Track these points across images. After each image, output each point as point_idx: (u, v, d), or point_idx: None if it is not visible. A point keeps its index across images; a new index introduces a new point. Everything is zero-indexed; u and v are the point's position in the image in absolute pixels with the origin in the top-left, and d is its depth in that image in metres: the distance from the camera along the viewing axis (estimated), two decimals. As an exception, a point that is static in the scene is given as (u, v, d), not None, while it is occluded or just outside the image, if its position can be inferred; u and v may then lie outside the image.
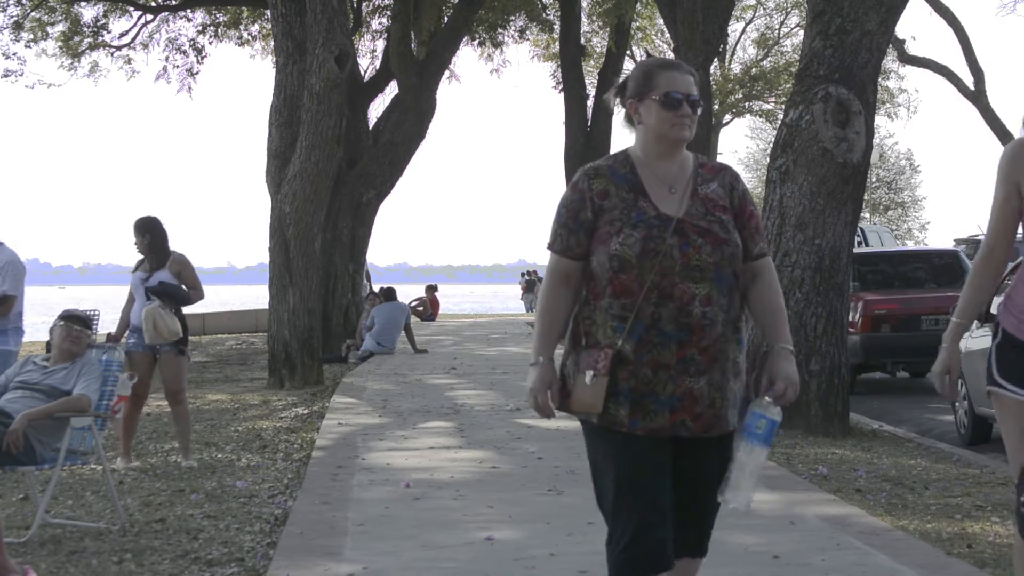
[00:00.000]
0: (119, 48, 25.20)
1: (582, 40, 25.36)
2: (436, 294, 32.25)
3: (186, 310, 8.90)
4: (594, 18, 27.16)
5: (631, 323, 3.47)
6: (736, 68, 39.70)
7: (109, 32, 24.95)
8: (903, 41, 30.82)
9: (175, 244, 8.93)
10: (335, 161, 15.42)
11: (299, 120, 14.68)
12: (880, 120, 37.38)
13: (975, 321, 10.22)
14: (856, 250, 12.48)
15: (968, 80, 29.17)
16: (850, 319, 11.64)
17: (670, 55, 26.90)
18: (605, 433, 3.54)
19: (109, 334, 8.76)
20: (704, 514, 3.66)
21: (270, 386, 14.21)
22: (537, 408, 3.61)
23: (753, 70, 39.16)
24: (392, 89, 22.67)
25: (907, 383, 15.13)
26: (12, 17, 23.51)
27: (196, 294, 8.87)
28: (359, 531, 6.18)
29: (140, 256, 8.97)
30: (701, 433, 3.51)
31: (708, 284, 3.48)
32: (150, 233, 8.85)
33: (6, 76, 23.90)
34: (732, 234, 3.56)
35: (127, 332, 8.76)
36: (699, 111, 3.63)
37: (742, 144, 76.58)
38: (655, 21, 30.08)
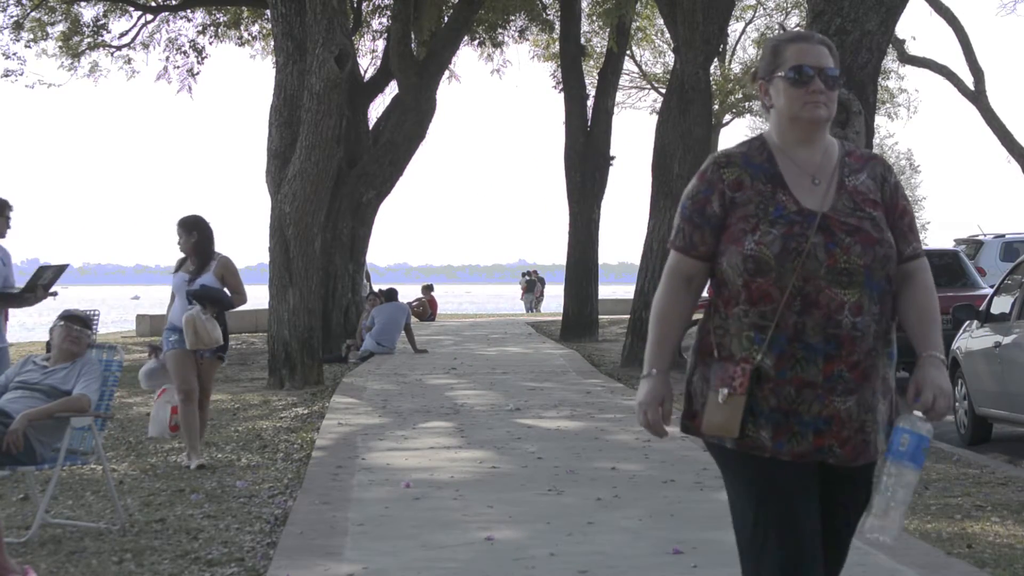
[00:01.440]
0: (119, 48, 25.22)
1: (582, 40, 25.36)
2: (433, 294, 32.28)
3: None
4: (594, 18, 27.16)
5: (771, 334, 3.06)
6: (736, 68, 39.68)
7: (109, 32, 25.00)
8: (903, 41, 30.81)
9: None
10: (335, 161, 15.43)
11: (299, 120, 14.68)
12: (880, 120, 37.42)
13: (975, 321, 10.26)
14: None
15: (968, 80, 29.17)
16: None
17: (670, 55, 26.94)
18: (744, 459, 3.12)
19: (152, 346, 8.94)
20: (841, 552, 3.27)
21: (270, 386, 14.21)
22: (646, 425, 3.21)
23: (753, 70, 39.12)
24: (392, 89, 22.69)
25: (907, 383, 15.11)
26: (12, 17, 23.55)
27: (239, 298, 8.73)
28: (359, 531, 6.17)
29: (181, 255, 8.77)
30: (850, 460, 3.11)
31: (858, 290, 3.07)
32: (197, 232, 8.63)
33: (6, 76, 23.94)
34: (884, 233, 3.15)
35: (164, 332, 8.69)
36: (838, 87, 3.20)
37: (742, 144, 76.48)
38: (655, 21, 30.10)
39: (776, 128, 3.25)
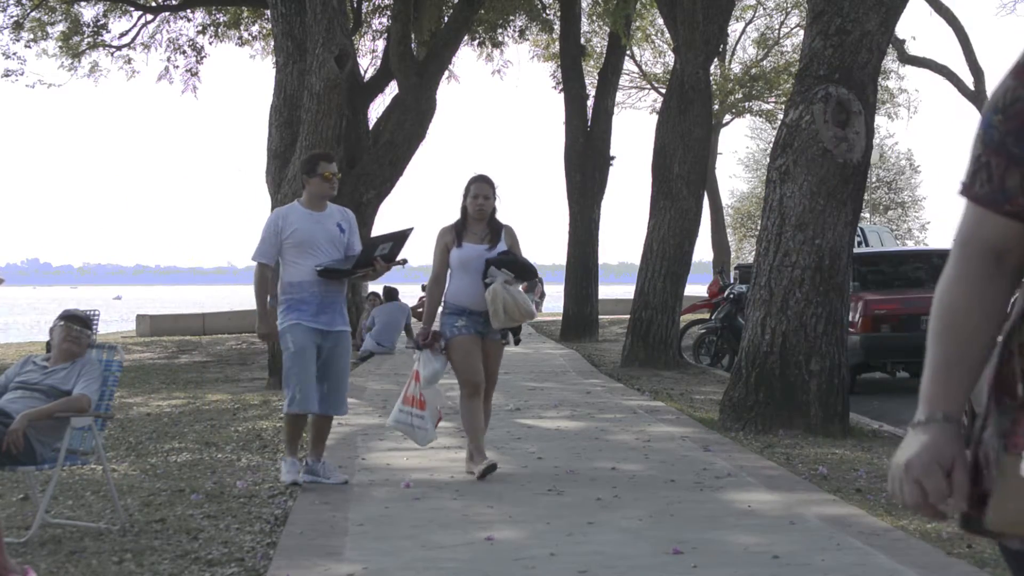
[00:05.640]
0: (119, 48, 25.25)
1: (582, 40, 25.38)
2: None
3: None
4: (594, 18, 27.18)
5: None
6: (736, 68, 39.71)
7: (109, 32, 25.04)
8: (903, 41, 30.86)
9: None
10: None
11: (299, 120, 14.69)
12: (880, 120, 37.44)
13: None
14: (856, 250, 12.50)
15: (968, 80, 29.21)
16: (850, 319, 11.64)
17: (670, 55, 26.93)
18: None
19: (432, 333, 7.46)
20: None
21: (270, 386, 14.19)
22: (914, 503, 1.87)
23: (753, 70, 39.19)
24: (392, 89, 22.70)
25: (907, 383, 15.13)
26: (12, 17, 23.57)
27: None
28: (359, 531, 6.17)
29: (448, 225, 7.72)
30: None
31: None
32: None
33: (6, 76, 23.97)
34: None
35: (444, 317, 7.65)
36: None
37: (742, 144, 76.83)
38: (655, 21, 30.11)
39: None
